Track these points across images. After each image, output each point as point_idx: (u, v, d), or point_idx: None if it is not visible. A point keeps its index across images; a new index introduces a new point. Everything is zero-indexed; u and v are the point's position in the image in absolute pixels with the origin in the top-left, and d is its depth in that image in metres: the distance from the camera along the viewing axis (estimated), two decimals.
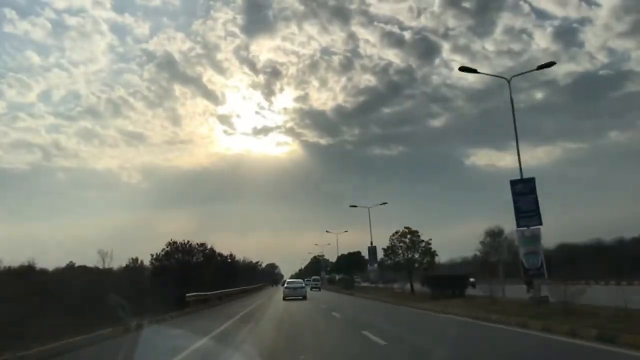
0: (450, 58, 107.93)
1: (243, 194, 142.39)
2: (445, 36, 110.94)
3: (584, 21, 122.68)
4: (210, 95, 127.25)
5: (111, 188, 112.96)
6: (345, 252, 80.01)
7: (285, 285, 40.57)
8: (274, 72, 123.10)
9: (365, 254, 58.72)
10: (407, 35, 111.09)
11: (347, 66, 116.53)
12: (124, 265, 30.52)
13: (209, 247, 34.31)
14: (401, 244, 35.89)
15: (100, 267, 26.07)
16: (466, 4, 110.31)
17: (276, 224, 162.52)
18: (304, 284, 40.79)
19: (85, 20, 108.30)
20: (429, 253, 35.04)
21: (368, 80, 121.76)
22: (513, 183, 18.42)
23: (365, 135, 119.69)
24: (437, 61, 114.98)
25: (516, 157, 18.72)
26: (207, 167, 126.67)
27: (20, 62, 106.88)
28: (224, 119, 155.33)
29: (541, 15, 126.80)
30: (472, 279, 29.48)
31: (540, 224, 17.61)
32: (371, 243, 48.08)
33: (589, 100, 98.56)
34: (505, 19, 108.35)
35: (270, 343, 11.11)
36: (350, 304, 28.60)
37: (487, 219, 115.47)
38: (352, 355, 9.46)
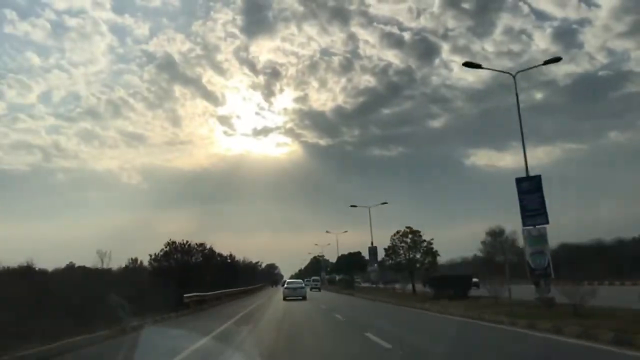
0: (450, 59, 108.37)
1: (243, 195, 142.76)
2: (445, 37, 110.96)
3: (583, 22, 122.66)
4: (210, 96, 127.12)
5: (111, 189, 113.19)
6: (345, 253, 79.96)
7: (285, 285, 40.53)
8: (273, 73, 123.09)
9: (365, 254, 58.68)
10: (406, 36, 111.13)
11: (346, 67, 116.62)
12: (123, 265, 30.45)
13: (208, 247, 34.04)
14: (402, 244, 35.72)
15: (99, 267, 25.93)
16: (466, 5, 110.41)
17: (276, 225, 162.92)
18: (303, 285, 40.86)
19: (85, 22, 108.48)
20: (431, 253, 34.80)
21: (368, 81, 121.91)
22: (519, 181, 18.14)
23: (365, 136, 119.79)
24: (436, 62, 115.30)
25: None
26: (207, 167, 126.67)
27: (20, 63, 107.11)
28: (223, 120, 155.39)
29: (541, 16, 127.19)
30: (475, 280, 29.21)
31: (547, 222, 17.34)
32: (372, 243, 47.99)
33: (588, 100, 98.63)
34: (504, 20, 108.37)
35: (270, 343, 11.05)
36: (351, 305, 28.38)
37: (487, 219, 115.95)
38: (356, 359, 9.24)
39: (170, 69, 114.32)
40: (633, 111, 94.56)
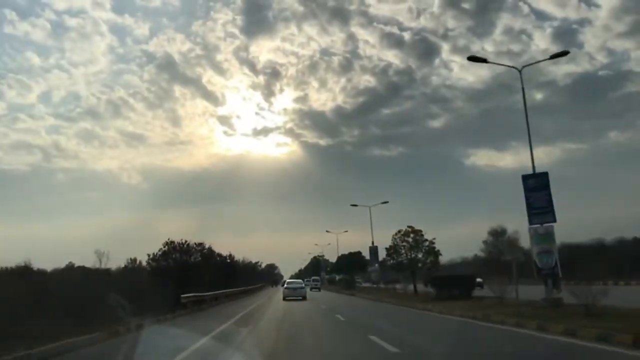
0: (450, 59, 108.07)
1: (243, 195, 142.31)
2: (445, 37, 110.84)
3: (583, 22, 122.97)
4: (210, 96, 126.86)
5: (111, 189, 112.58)
6: (346, 252, 79.75)
7: (285, 285, 40.41)
8: (273, 73, 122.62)
9: (365, 254, 58.52)
10: (406, 36, 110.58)
11: (346, 67, 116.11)
12: (122, 265, 30.25)
13: (207, 246, 33.73)
14: (404, 244, 35.40)
15: (98, 267, 25.76)
16: (465, 5, 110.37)
17: (276, 225, 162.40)
18: (303, 285, 40.75)
19: (85, 22, 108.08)
20: (433, 252, 34.49)
21: (367, 81, 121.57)
22: (525, 178, 17.83)
23: (365, 136, 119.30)
24: (436, 62, 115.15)
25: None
26: (207, 167, 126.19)
27: (20, 63, 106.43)
28: (223, 120, 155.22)
29: (540, 16, 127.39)
30: (479, 280, 28.91)
31: (554, 220, 17.04)
32: (372, 243, 47.75)
33: (588, 100, 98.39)
34: (504, 20, 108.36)
35: (270, 343, 11.00)
36: (351, 305, 28.12)
37: (487, 219, 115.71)
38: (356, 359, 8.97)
39: (170, 69, 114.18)
40: (633, 111, 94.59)
